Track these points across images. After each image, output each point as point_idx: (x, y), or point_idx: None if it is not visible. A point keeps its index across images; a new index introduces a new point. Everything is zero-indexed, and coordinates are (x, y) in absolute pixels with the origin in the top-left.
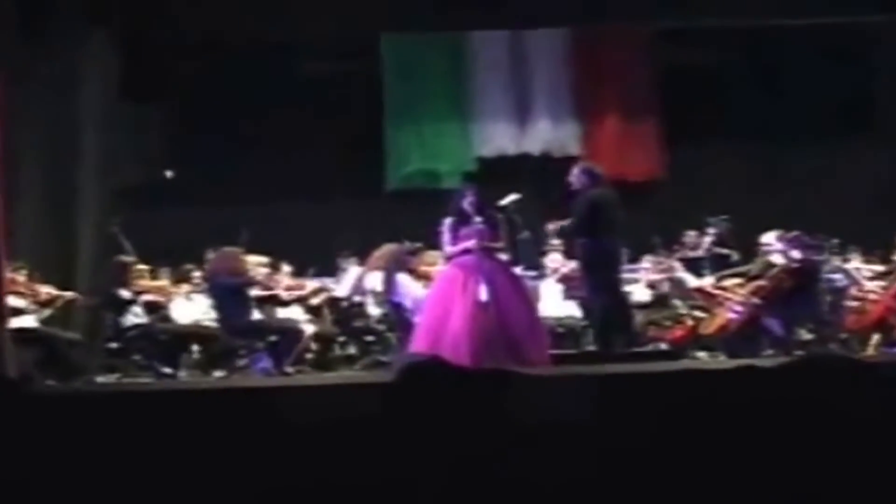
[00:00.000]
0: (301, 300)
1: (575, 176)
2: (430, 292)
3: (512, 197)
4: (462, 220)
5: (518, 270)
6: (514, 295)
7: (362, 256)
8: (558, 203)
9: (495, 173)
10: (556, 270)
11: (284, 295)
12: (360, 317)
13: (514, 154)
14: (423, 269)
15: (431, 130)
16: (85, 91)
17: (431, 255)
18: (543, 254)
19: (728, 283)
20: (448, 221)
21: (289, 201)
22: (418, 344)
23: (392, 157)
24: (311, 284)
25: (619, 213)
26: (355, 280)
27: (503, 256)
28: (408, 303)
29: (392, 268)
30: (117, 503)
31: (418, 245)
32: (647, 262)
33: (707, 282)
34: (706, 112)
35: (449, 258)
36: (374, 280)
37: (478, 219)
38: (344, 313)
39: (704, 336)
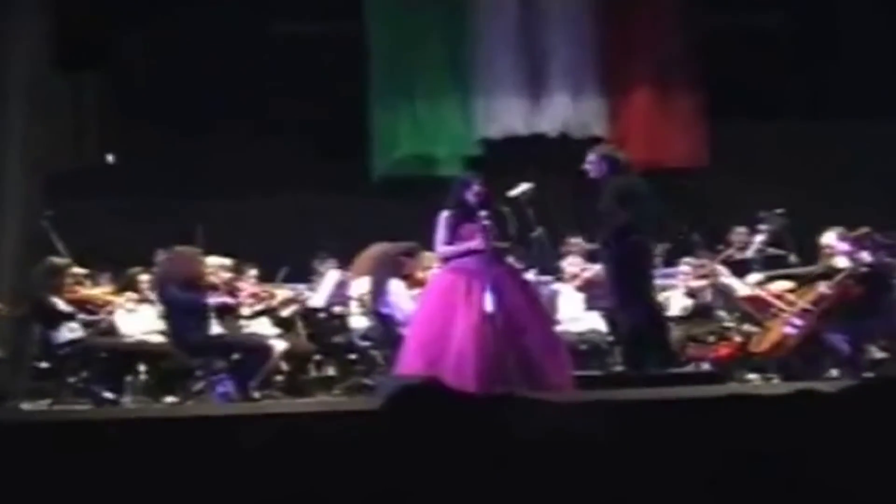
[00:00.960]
0: (270, 311)
1: (592, 163)
2: (424, 301)
3: (523, 186)
4: (463, 214)
5: (531, 275)
6: (527, 305)
7: (344, 258)
8: (580, 194)
9: (503, 158)
10: (576, 275)
11: (250, 305)
12: (340, 331)
13: (525, 135)
14: (420, 274)
15: (426, 107)
16: (8, 62)
17: (429, 256)
18: (561, 255)
19: (778, 286)
20: (445, 215)
21: (255, 192)
22: (411, 364)
23: (379, 139)
24: (281, 292)
25: (651, 206)
26: (335, 287)
27: (512, 258)
28: (399, 315)
29: (381, 272)
30: None
31: (413, 245)
32: (685, 265)
33: (758, 289)
34: (757, 85)
35: (445, 259)
36: (359, 287)
37: (482, 213)
38: (321, 327)
39: (755, 354)
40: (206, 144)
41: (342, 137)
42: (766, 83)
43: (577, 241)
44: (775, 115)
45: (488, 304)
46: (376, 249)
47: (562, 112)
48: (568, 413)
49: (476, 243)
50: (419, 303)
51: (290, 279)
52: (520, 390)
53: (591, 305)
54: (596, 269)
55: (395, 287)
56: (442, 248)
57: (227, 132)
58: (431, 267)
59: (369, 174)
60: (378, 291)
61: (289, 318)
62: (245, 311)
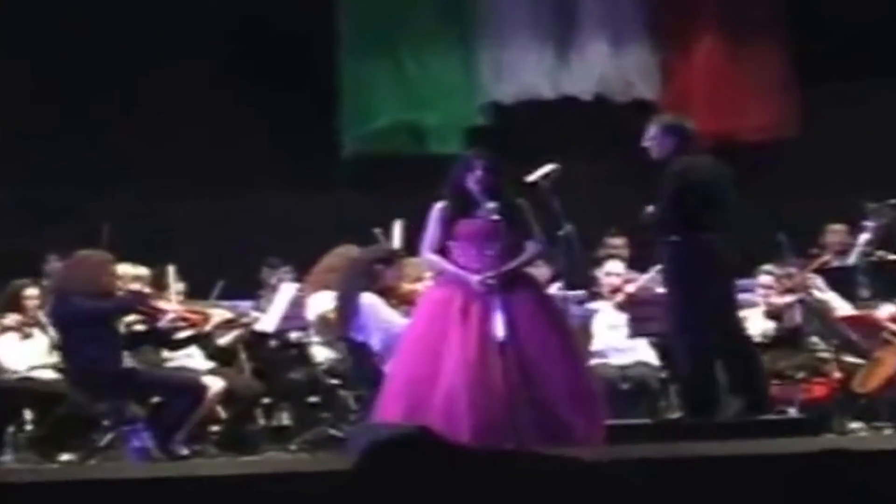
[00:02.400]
0: (202, 338)
1: (653, 138)
2: (411, 324)
3: (546, 168)
4: (462, 206)
5: (554, 290)
6: (549, 330)
7: (303, 266)
8: (624, 178)
9: (518, 131)
10: (617, 289)
11: (175, 329)
12: (298, 365)
13: (548, 99)
14: (407, 287)
15: (414, 61)
16: None
17: (416, 264)
18: (596, 262)
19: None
20: (439, 208)
21: (180, 179)
22: (393, 408)
23: (351, 104)
24: (218, 313)
25: (730, 196)
26: (291, 305)
27: (531, 267)
28: (376, 342)
29: (352, 285)
30: None
31: (393, 248)
32: (765, 275)
33: (863, 307)
34: (860, 37)
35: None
36: (322, 304)
37: (489, 205)
38: (272, 359)
39: (860, 395)
40: (115, 120)
41: (299, 104)
42: (872, 35)
43: (618, 244)
44: (884, 75)
45: (496, 329)
46: (345, 255)
47: (597, 68)
48: (603, 474)
49: (471, 264)
50: (404, 327)
51: (231, 295)
52: (535, 444)
53: (637, 330)
54: (644, 280)
55: (371, 305)
56: (428, 254)
57: (143, 101)
58: (422, 278)
59: (337, 152)
60: (348, 311)
61: (228, 348)
62: (169, 337)
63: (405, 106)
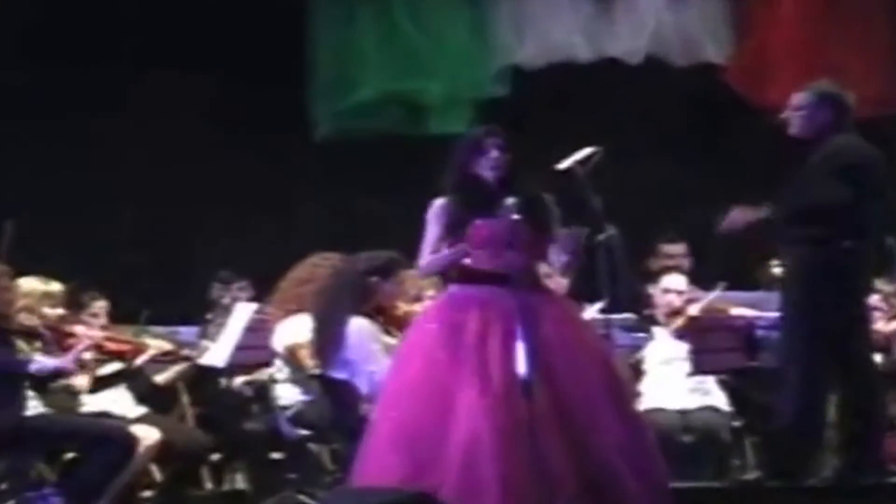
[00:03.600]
0: (131, 374)
1: (803, 108)
2: (408, 356)
3: (582, 153)
4: (472, 201)
5: (594, 311)
6: (587, 366)
7: (264, 281)
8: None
9: (546, 104)
10: (677, 311)
11: (95, 364)
12: (257, 410)
13: (585, 62)
14: (403, 308)
15: (409, 16)
16: None
17: (416, 277)
18: (648, 276)
19: None
20: (440, 204)
21: (106, 170)
22: (385, 465)
23: (325, 71)
24: (154, 343)
25: (889, 190)
26: (247, 331)
27: (562, 282)
28: (363, 380)
29: (335, 304)
30: None
31: (388, 257)
32: (876, 296)
33: None
34: None
35: (444, 279)
36: (292, 330)
37: (508, 201)
38: (222, 403)
39: None
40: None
41: (261, 73)
42: None
43: (678, 252)
44: None
45: (519, 364)
46: (323, 265)
47: (650, 22)
48: None
49: (507, 262)
50: (399, 358)
51: (169, 319)
52: None
53: (702, 364)
54: (711, 299)
55: (360, 332)
56: (427, 259)
57: (58, 71)
58: (422, 297)
59: (308, 133)
60: (328, 340)
61: (166, 388)
62: (87, 375)
63: (397, 73)
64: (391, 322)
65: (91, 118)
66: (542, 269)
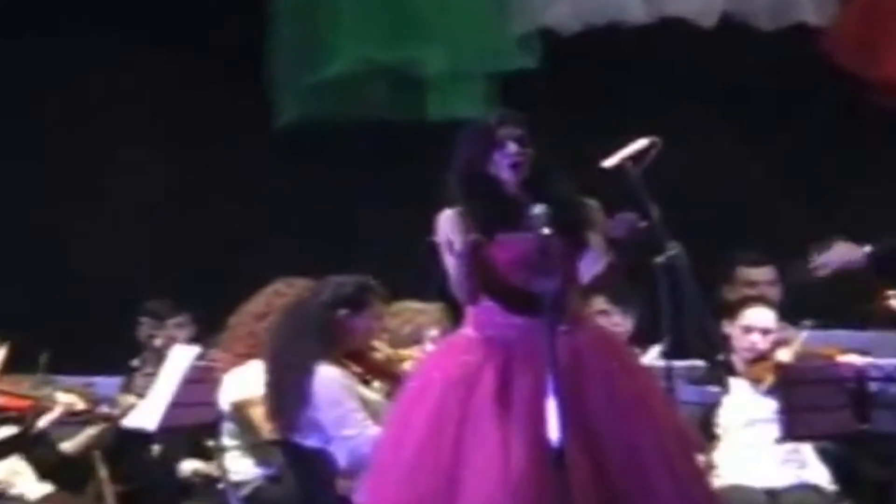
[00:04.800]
0: (30, 440)
1: None
2: (404, 415)
3: (636, 145)
4: (490, 210)
5: (651, 357)
6: (643, 429)
7: (210, 315)
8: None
9: (587, 80)
10: (760, 357)
11: None
12: (198, 487)
13: (639, 26)
14: (388, 352)
15: None
16: None
17: (414, 311)
18: (725, 309)
19: None
20: (448, 216)
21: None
22: None
23: (290, 36)
24: (61, 398)
25: None
26: (186, 382)
27: (614, 318)
28: (340, 449)
29: (298, 347)
30: None
31: (359, 282)
32: None
33: None
34: None
35: (452, 314)
36: (246, 382)
37: (536, 208)
38: (152, 478)
39: None
40: None
41: (211, 49)
42: None
43: (763, 277)
44: None
45: (550, 425)
46: (286, 295)
47: None
48: None
49: (542, 287)
50: (394, 421)
51: (83, 365)
52: None
53: (796, 428)
54: (805, 338)
55: (328, 384)
56: (459, 289)
57: None
58: (421, 338)
59: (267, 118)
60: (291, 395)
61: (78, 459)
62: None
63: (384, 38)
64: (370, 370)
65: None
66: (599, 304)
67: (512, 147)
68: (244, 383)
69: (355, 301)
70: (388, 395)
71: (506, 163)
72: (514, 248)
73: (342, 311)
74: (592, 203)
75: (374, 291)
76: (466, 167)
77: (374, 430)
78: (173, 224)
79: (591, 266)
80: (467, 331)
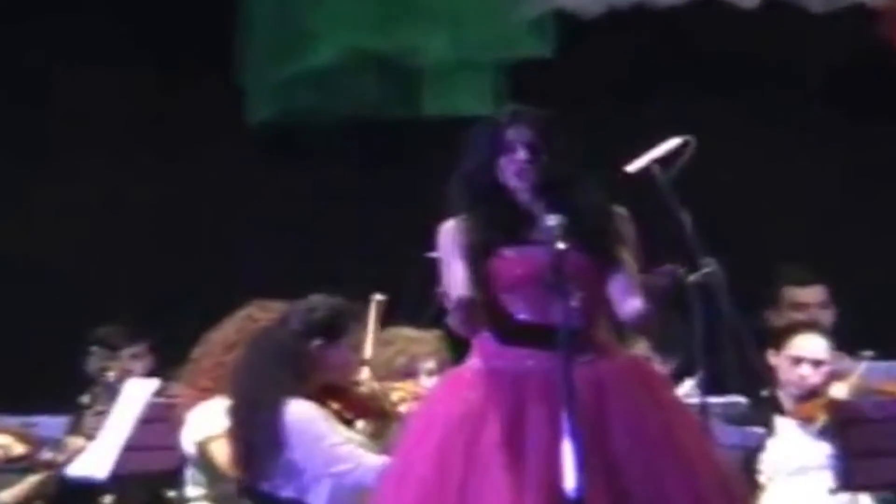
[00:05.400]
0: None
1: None
2: (397, 465)
3: (668, 145)
4: (498, 224)
5: (687, 389)
6: (677, 476)
7: (170, 344)
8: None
9: (606, 71)
10: (812, 393)
11: None
12: None
13: (667, 7)
14: (374, 389)
15: None
16: None
17: (408, 339)
18: (771, 336)
19: None
20: (450, 232)
21: None
22: None
23: (264, 24)
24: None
25: None
26: (142, 422)
27: (640, 346)
28: (318, 497)
29: (268, 380)
30: None
31: (336, 306)
32: None
33: None
34: None
35: (453, 344)
36: (212, 421)
37: (550, 219)
38: None
39: None
40: None
41: (175, 34)
42: None
43: (815, 298)
44: None
45: (565, 471)
46: (260, 321)
47: None
48: None
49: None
50: (390, 469)
51: (23, 403)
52: None
53: (855, 475)
54: (863, 371)
55: (302, 420)
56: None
57: None
58: (417, 371)
59: (240, 118)
60: (260, 436)
61: None
62: None
63: (376, 22)
64: (353, 407)
65: None
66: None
67: (521, 153)
68: (211, 422)
69: (330, 329)
70: (375, 435)
71: (511, 169)
72: (524, 262)
73: (315, 342)
74: (621, 212)
75: (352, 316)
76: (472, 172)
77: (373, 458)
78: (127, 237)
79: (624, 293)
80: (472, 362)
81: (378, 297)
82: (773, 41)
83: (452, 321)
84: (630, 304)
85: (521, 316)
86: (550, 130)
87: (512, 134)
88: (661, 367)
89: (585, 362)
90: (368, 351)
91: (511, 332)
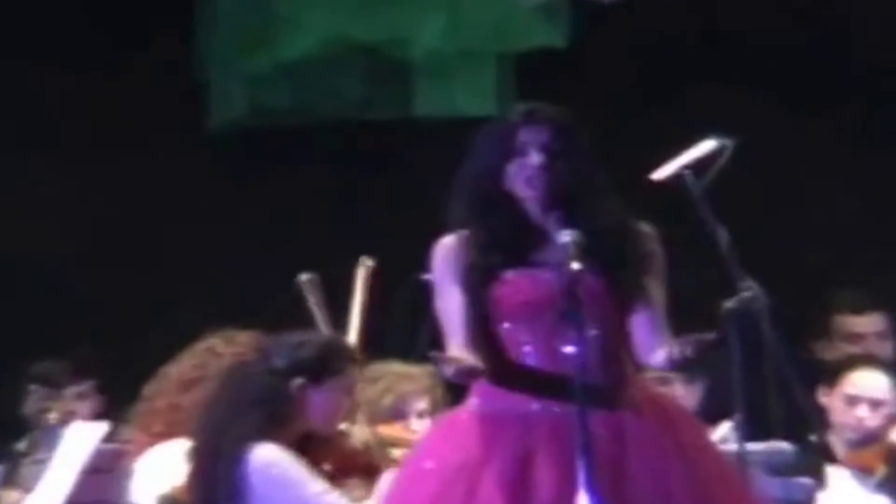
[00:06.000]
0: None
1: None
2: None
3: (701, 149)
4: (503, 239)
5: (721, 434)
6: None
7: (118, 385)
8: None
9: (629, 65)
10: (871, 438)
11: None
12: None
13: None
14: (361, 436)
15: None
16: None
17: (398, 373)
18: (821, 371)
19: None
20: (448, 249)
21: None
22: None
23: (226, 16)
24: None
25: None
26: (89, 470)
27: (676, 388)
28: None
29: (233, 422)
30: None
31: (327, 341)
32: None
33: None
34: None
35: (450, 382)
36: (168, 467)
37: (563, 236)
38: None
39: None
40: None
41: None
42: None
43: (872, 327)
44: None
45: None
46: (224, 356)
47: None
48: None
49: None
50: None
51: None
52: None
53: None
54: None
55: (275, 470)
56: (455, 349)
57: None
58: (408, 412)
59: (201, 123)
60: (222, 484)
61: None
62: None
63: (361, 10)
64: (336, 463)
65: None
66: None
67: (534, 157)
68: (169, 471)
69: (317, 367)
70: (364, 490)
71: (522, 176)
72: (528, 289)
73: (298, 381)
74: (647, 230)
75: (345, 354)
76: (475, 179)
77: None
78: (68, 256)
79: (648, 334)
80: (470, 403)
81: (367, 261)
82: (821, 27)
83: (445, 372)
84: (656, 355)
85: (527, 349)
86: (570, 132)
87: (525, 135)
88: (686, 390)
89: (603, 404)
90: (355, 326)
91: (516, 378)
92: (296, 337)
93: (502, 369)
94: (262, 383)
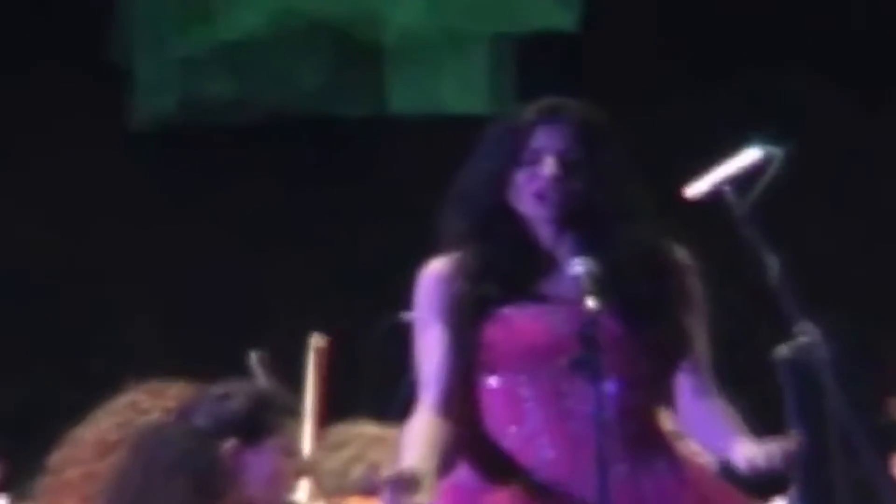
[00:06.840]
0: None
1: None
2: None
3: (745, 158)
4: (504, 267)
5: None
6: None
7: (24, 446)
8: None
9: (652, 54)
10: None
11: None
12: None
13: None
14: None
15: None
16: None
17: (369, 435)
18: None
19: None
20: (436, 279)
21: None
22: None
23: None
24: None
25: None
26: None
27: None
28: None
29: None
30: None
31: (263, 394)
32: None
33: None
34: None
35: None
36: None
37: (576, 265)
38: None
39: None
40: None
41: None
42: None
43: None
44: None
45: None
46: (151, 412)
47: None
48: None
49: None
50: None
51: None
52: None
53: None
54: None
55: None
56: (427, 406)
57: None
58: (380, 489)
59: (123, 119)
60: None
61: None
62: None
63: None
64: None
65: None
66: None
67: (548, 166)
68: None
69: (251, 425)
70: None
71: (531, 189)
72: (535, 328)
73: (228, 442)
74: (684, 260)
75: (282, 407)
76: (472, 190)
77: None
78: None
79: (711, 418)
80: (460, 475)
81: (318, 339)
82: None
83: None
84: (724, 447)
85: (527, 406)
86: (597, 135)
87: (540, 138)
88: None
89: (623, 473)
90: (309, 412)
91: (515, 430)
92: (219, 388)
93: (488, 456)
94: (184, 447)
